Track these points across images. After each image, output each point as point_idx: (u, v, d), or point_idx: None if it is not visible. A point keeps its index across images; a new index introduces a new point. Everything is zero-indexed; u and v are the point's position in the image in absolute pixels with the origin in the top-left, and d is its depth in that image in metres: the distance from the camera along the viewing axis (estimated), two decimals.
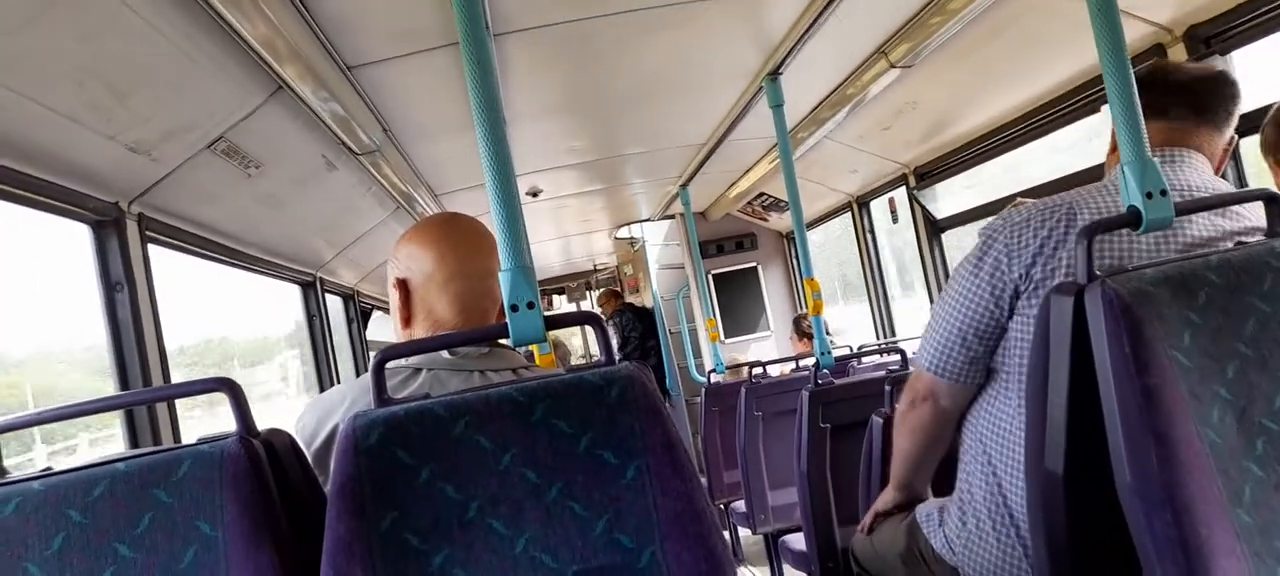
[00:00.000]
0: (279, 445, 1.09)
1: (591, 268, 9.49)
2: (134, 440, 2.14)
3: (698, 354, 6.56)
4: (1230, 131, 1.43)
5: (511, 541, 0.98)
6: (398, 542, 0.97)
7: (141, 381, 2.15)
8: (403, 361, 1.28)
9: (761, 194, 5.79)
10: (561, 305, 10.21)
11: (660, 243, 6.80)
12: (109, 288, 2.18)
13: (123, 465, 1.03)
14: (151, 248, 2.34)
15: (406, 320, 1.40)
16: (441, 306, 1.35)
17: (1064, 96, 3.04)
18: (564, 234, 6.91)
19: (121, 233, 2.19)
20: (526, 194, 4.75)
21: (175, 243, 2.55)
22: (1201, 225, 1.34)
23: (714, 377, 4.87)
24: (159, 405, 2.18)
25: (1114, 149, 1.51)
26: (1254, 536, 0.96)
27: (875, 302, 5.14)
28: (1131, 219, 1.18)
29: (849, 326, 5.70)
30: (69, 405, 1.15)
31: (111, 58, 1.79)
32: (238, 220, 2.90)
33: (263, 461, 1.04)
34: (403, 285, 1.39)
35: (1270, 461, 0.99)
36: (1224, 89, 1.41)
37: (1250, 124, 2.27)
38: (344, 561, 0.95)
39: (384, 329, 5.11)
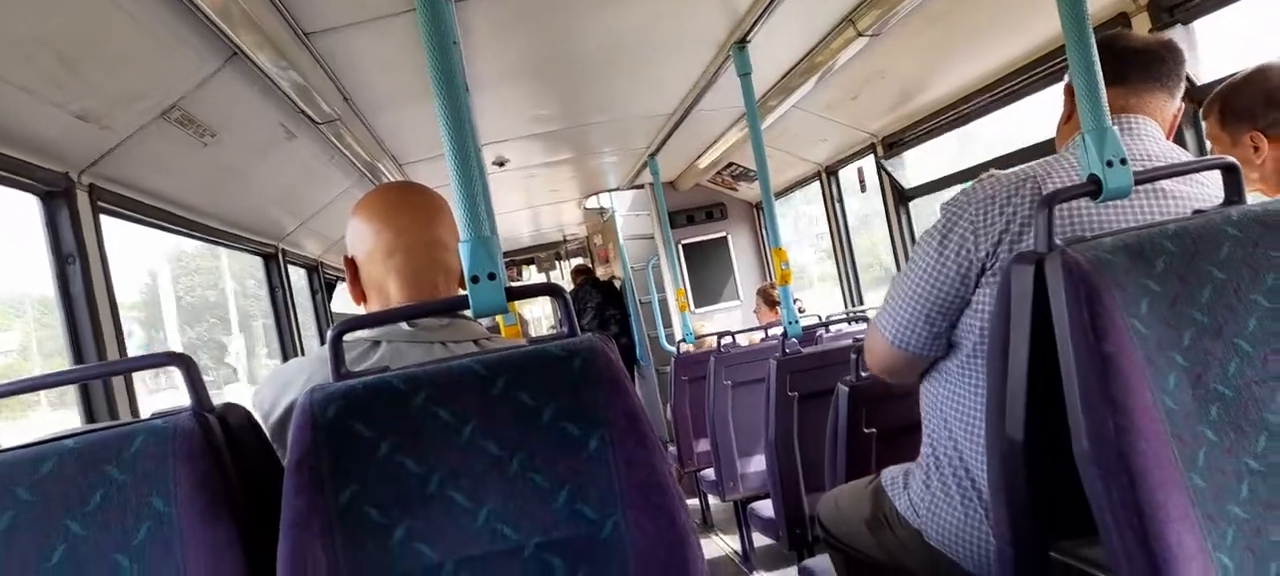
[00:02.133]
0: (234, 420, 1.07)
1: (561, 238, 9.45)
2: (90, 415, 2.10)
3: (668, 324, 6.57)
4: (1179, 100, 1.46)
5: (473, 513, 0.97)
6: (358, 516, 0.96)
7: (95, 355, 2.10)
8: (361, 333, 1.26)
9: (731, 164, 5.78)
10: (531, 276, 10.16)
11: (629, 212, 6.78)
12: (60, 260, 2.12)
13: (72, 441, 1.00)
14: (104, 219, 2.28)
15: (359, 297, 1.38)
16: (388, 281, 1.33)
17: (1030, 65, 3.06)
18: (532, 204, 6.86)
19: (72, 203, 2.13)
20: (492, 163, 4.70)
21: (128, 213, 2.49)
22: (1169, 195, 1.35)
23: (683, 347, 4.88)
24: (115, 379, 2.13)
25: (1067, 118, 1.52)
26: (1207, 500, 0.97)
27: (843, 272, 5.17)
28: (1091, 187, 1.19)
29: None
30: (18, 380, 1.12)
31: (60, 25, 1.73)
32: (194, 190, 2.84)
33: (217, 436, 1.02)
34: (351, 263, 1.37)
35: (1223, 426, 1.01)
36: (1176, 57, 1.44)
37: (1208, 93, 2.30)
38: (302, 536, 0.94)
39: (348, 302, 5.04)
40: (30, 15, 1.64)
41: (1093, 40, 1.21)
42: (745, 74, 3.17)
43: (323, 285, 4.61)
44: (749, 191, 6.31)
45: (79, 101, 1.97)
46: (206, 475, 0.98)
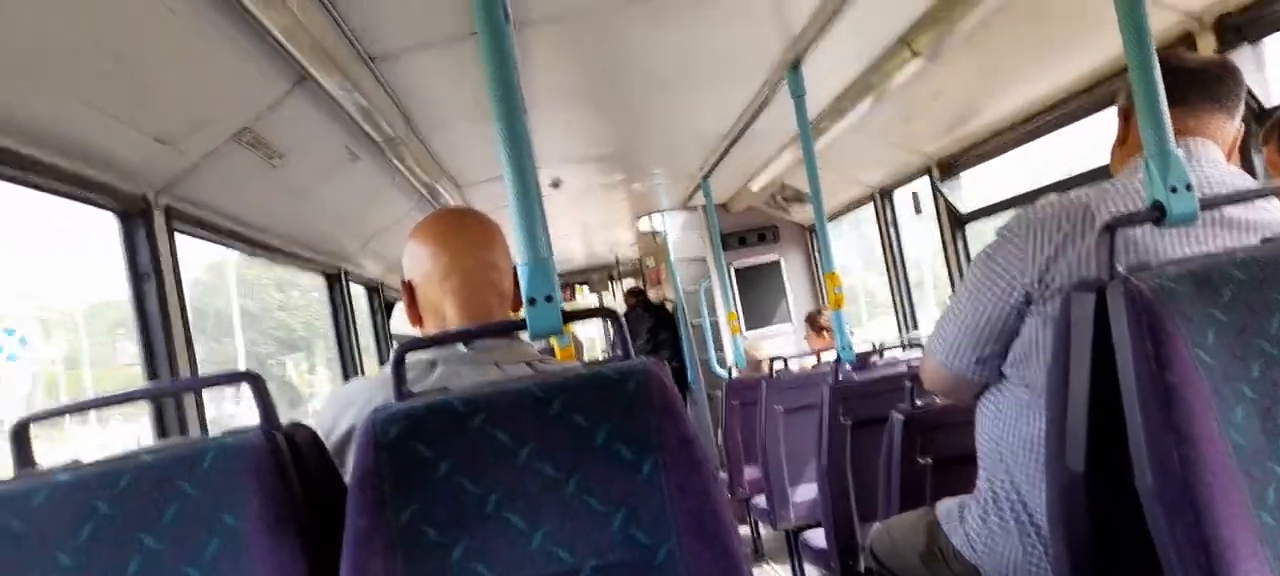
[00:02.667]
0: (300, 438, 1.11)
1: (613, 259, 9.49)
2: (161, 430, 2.17)
3: (719, 347, 6.55)
4: (1238, 121, 1.42)
5: (529, 535, 0.99)
6: (417, 535, 0.98)
7: (168, 371, 2.18)
8: (419, 355, 1.29)
9: (784, 186, 5.75)
10: (584, 296, 10.22)
11: (682, 234, 6.79)
12: (137, 277, 2.21)
13: (148, 457, 1.04)
14: (178, 237, 2.37)
15: (416, 320, 1.41)
16: (444, 303, 1.37)
17: (1090, 87, 3.00)
18: (586, 225, 6.91)
19: (149, 223, 2.22)
20: (548, 185, 4.76)
21: (201, 233, 2.58)
22: (1231, 221, 1.32)
23: (735, 372, 4.85)
24: (185, 396, 2.21)
25: (1122, 141, 1.49)
26: (1277, 539, 0.94)
27: (897, 297, 5.10)
28: (1155, 214, 1.17)
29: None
30: (98, 398, 1.17)
31: (137, 48, 1.81)
32: (262, 211, 2.93)
33: (284, 454, 1.05)
34: (408, 287, 1.41)
35: None
36: (1235, 77, 1.41)
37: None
38: (364, 553, 0.97)
39: (405, 322, 5.11)
40: (109, 39, 1.73)
41: (1155, 61, 1.19)
42: (799, 95, 3.16)
43: (382, 306, 4.70)
44: (802, 214, 6.27)
45: (156, 124, 2.05)
46: (274, 492, 1.02)
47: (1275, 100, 2.32)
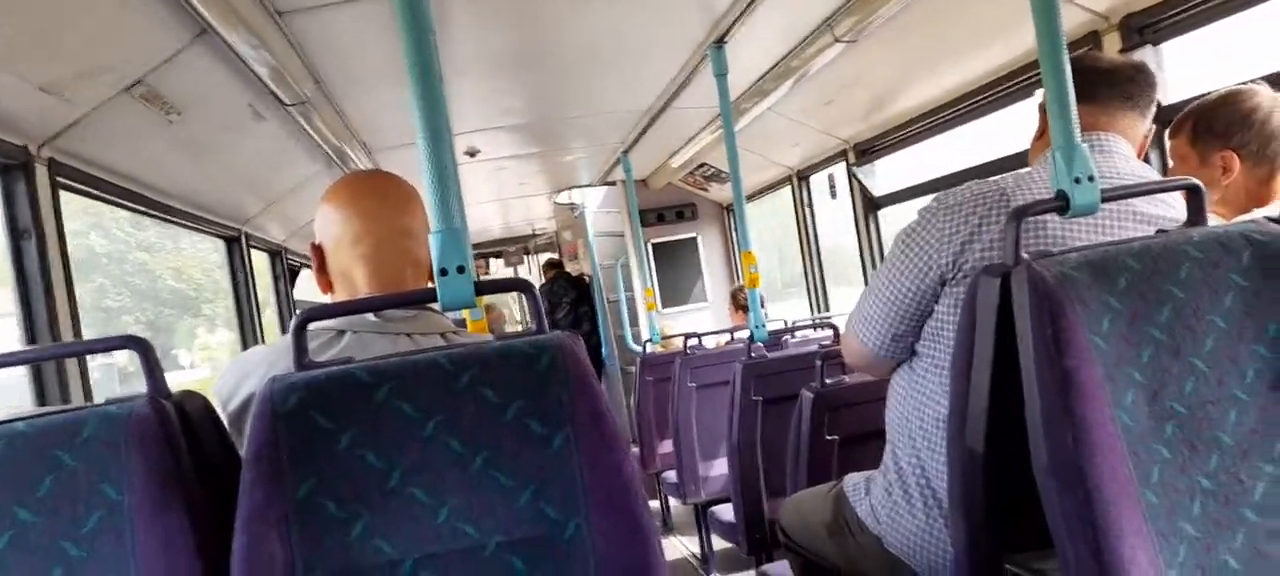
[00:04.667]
0: (191, 407, 1.05)
1: (530, 232, 9.40)
2: (41, 398, 2.04)
3: (635, 323, 6.57)
4: (1150, 120, 1.49)
5: (434, 510, 0.96)
6: (316, 510, 0.94)
7: (49, 336, 2.05)
8: (326, 323, 1.24)
9: (703, 164, 5.79)
10: (499, 269, 10.10)
11: (600, 209, 6.76)
12: (15, 234, 2.07)
13: (22, 425, 0.97)
14: (63, 194, 2.23)
15: (325, 285, 1.36)
16: (355, 269, 1.31)
17: (1002, 79, 3.09)
18: (502, 197, 6.82)
19: (30, 177, 2.08)
20: (464, 153, 4.66)
21: (88, 189, 2.43)
22: (1138, 214, 1.38)
23: (650, 348, 4.87)
24: (68, 361, 2.08)
25: (1040, 134, 1.55)
26: (1160, 516, 0.99)
27: (811, 278, 5.20)
28: (1059, 203, 1.20)
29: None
30: None
31: None
32: (157, 169, 2.78)
33: (173, 423, 1.00)
34: (318, 250, 1.35)
35: (1178, 444, 1.03)
36: (1147, 78, 1.47)
37: (1174, 115, 2.35)
38: (259, 528, 0.92)
39: (313, 288, 4.96)
40: None
41: (1066, 58, 1.22)
42: (721, 75, 3.17)
43: (285, 271, 4.54)
44: (720, 193, 6.32)
45: (41, 72, 1.91)
46: (161, 463, 0.96)
47: (1171, 100, 2.43)
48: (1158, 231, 1.29)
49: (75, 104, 2.10)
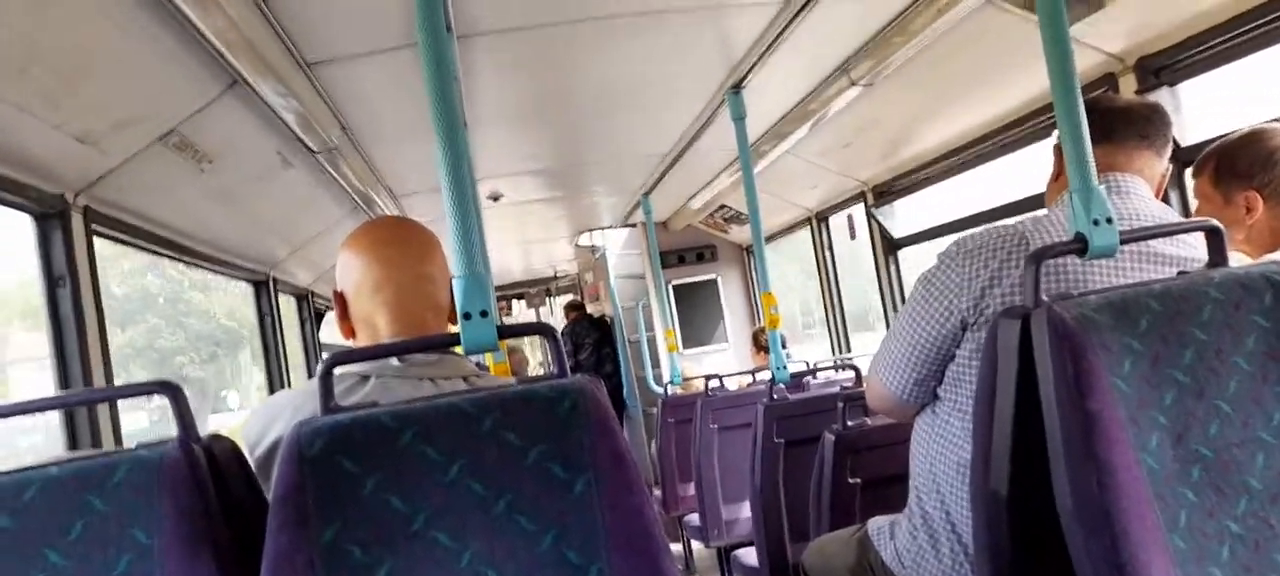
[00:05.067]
0: (220, 451, 1.07)
1: (552, 274, 9.45)
2: (73, 441, 2.08)
3: (656, 364, 6.56)
4: (1166, 160, 1.49)
5: (457, 554, 0.97)
6: (341, 554, 0.95)
7: (82, 380, 2.08)
8: (350, 368, 1.26)
9: (723, 206, 5.82)
10: (520, 311, 10.14)
11: (621, 251, 6.79)
12: (51, 281, 2.11)
13: (56, 469, 1.00)
14: (97, 242, 2.28)
15: (348, 332, 1.37)
16: (377, 315, 1.33)
17: (1020, 120, 3.10)
18: (525, 240, 6.88)
19: (66, 225, 2.13)
20: (487, 198, 4.72)
21: (122, 237, 2.49)
22: (1158, 255, 1.37)
23: (671, 389, 4.86)
24: (100, 407, 2.11)
25: (1056, 176, 1.55)
26: (1188, 562, 0.98)
27: (831, 319, 5.19)
28: (1078, 245, 1.21)
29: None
30: (2, 405, 1.11)
31: (61, 45, 1.74)
32: (188, 215, 2.84)
33: (203, 468, 1.01)
34: (340, 297, 1.37)
35: (1205, 488, 1.02)
36: (1163, 118, 1.48)
37: (1197, 155, 2.34)
38: (285, 572, 0.93)
39: (334, 332, 5.01)
40: (30, 34, 1.65)
41: (1080, 100, 1.23)
42: (740, 118, 3.20)
43: (312, 315, 4.59)
44: (740, 234, 6.34)
45: (77, 123, 1.97)
46: (190, 507, 0.98)
47: (1190, 141, 2.43)
48: (1179, 273, 1.28)
49: (110, 154, 2.16)
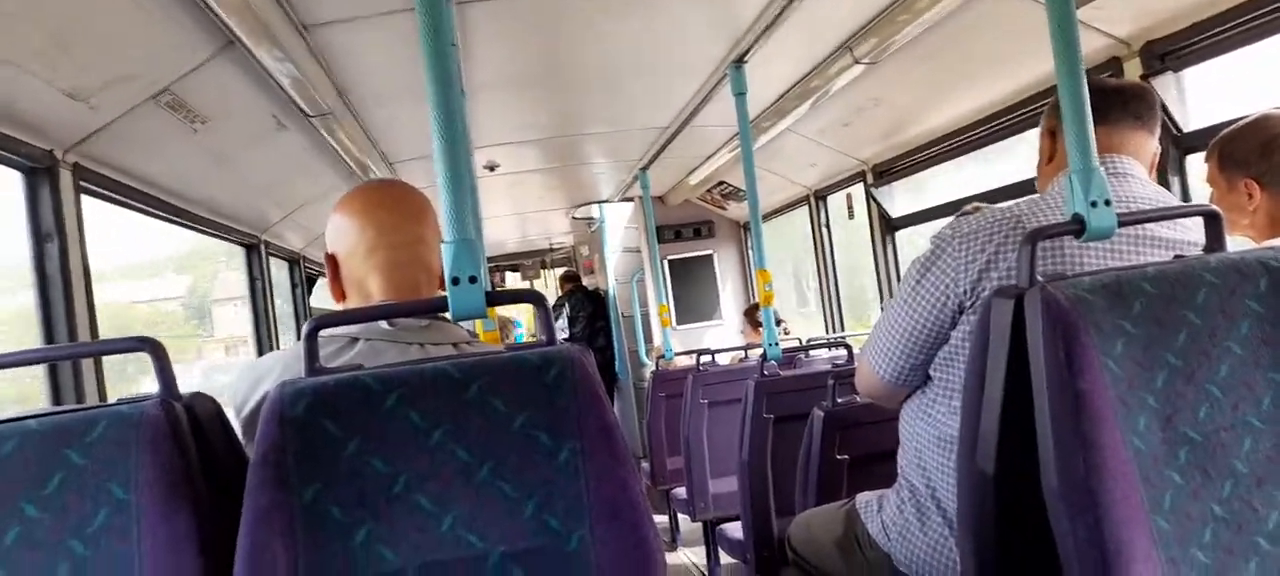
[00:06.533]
0: (202, 410, 1.06)
1: (547, 246, 9.43)
2: (56, 397, 2.07)
3: (650, 339, 6.56)
4: (1156, 140, 1.49)
5: (438, 519, 0.96)
6: (320, 515, 0.94)
7: (67, 336, 2.07)
8: (339, 330, 1.25)
9: (721, 182, 5.80)
10: (515, 282, 10.12)
11: (617, 225, 6.78)
12: (38, 237, 2.10)
13: (34, 422, 0.99)
14: (86, 199, 2.26)
15: (339, 294, 1.36)
16: (369, 279, 1.32)
17: (1023, 103, 3.08)
18: (520, 211, 6.85)
19: (54, 181, 2.12)
20: (483, 167, 4.69)
21: (111, 195, 2.47)
22: (1157, 239, 1.36)
23: (663, 363, 4.87)
24: (85, 362, 2.10)
25: (1048, 160, 1.53)
26: (1171, 543, 0.98)
27: (826, 297, 5.19)
28: (1075, 227, 1.20)
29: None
30: None
31: (52, 1, 1.71)
32: (179, 175, 2.82)
33: (183, 425, 1.00)
34: (331, 259, 1.36)
35: (1191, 470, 1.02)
36: (1153, 97, 1.48)
37: (1199, 141, 2.33)
38: (263, 532, 0.93)
39: (327, 297, 4.99)
40: None
41: (1084, 82, 1.22)
42: (740, 93, 3.18)
43: (303, 279, 4.58)
44: (737, 211, 6.32)
45: (68, 79, 1.95)
46: (169, 464, 0.97)
47: (1194, 126, 2.42)
48: (1175, 256, 1.28)
49: (101, 111, 2.14)
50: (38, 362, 1.90)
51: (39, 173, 2.10)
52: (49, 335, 2.08)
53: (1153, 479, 0.99)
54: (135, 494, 0.96)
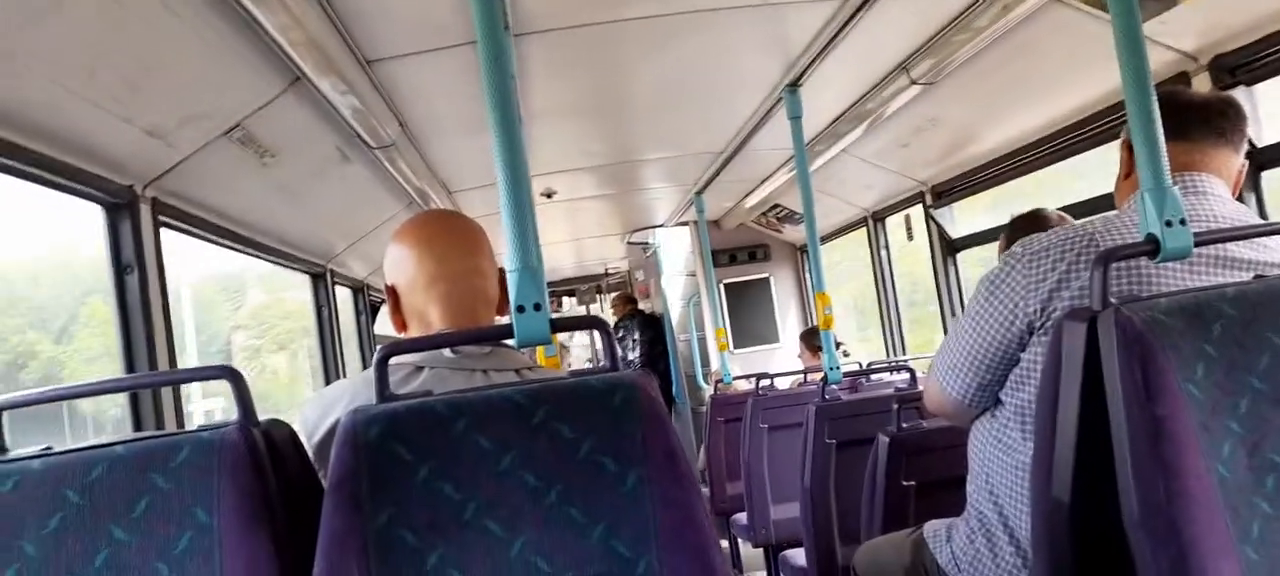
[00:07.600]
0: (278, 436, 1.09)
1: (603, 271, 9.48)
2: (137, 423, 2.14)
3: (706, 363, 6.53)
4: (1242, 156, 1.42)
5: (508, 544, 0.97)
6: (393, 539, 0.96)
7: (147, 364, 2.15)
8: (404, 359, 1.28)
9: (776, 205, 5.77)
10: (571, 307, 10.20)
11: (673, 249, 6.78)
12: (119, 269, 2.19)
13: (122, 448, 1.03)
14: (164, 232, 2.35)
15: (400, 325, 1.39)
16: (429, 309, 1.35)
17: (1087, 120, 3.01)
18: (577, 236, 6.91)
19: (134, 215, 2.20)
20: (540, 195, 4.75)
21: (187, 227, 2.56)
22: (1236, 258, 1.32)
23: (721, 388, 4.84)
24: (163, 389, 2.18)
25: (1126, 175, 1.49)
26: (1260, 574, 0.94)
27: (887, 320, 5.11)
28: (1148, 247, 1.16)
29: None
30: (72, 386, 1.15)
31: (130, 43, 1.79)
32: (250, 208, 2.91)
33: (261, 451, 1.03)
34: (392, 291, 1.39)
35: (1279, 499, 0.98)
36: (1237, 111, 1.41)
37: (1275, 156, 2.25)
38: (338, 555, 0.95)
39: (386, 324, 5.08)
40: (102, 33, 1.71)
41: (1153, 98, 1.19)
42: (796, 117, 3.17)
43: (367, 306, 4.68)
44: (794, 234, 6.28)
45: (147, 118, 2.03)
46: (249, 489, 1.00)
47: (1266, 141, 2.34)
48: (1256, 276, 1.23)
49: (177, 147, 2.23)
50: (123, 391, 1.98)
51: (120, 208, 2.19)
52: (130, 364, 2.16)
53: (1239, 508, 0.96)
54: (217, 517, 0.99)
